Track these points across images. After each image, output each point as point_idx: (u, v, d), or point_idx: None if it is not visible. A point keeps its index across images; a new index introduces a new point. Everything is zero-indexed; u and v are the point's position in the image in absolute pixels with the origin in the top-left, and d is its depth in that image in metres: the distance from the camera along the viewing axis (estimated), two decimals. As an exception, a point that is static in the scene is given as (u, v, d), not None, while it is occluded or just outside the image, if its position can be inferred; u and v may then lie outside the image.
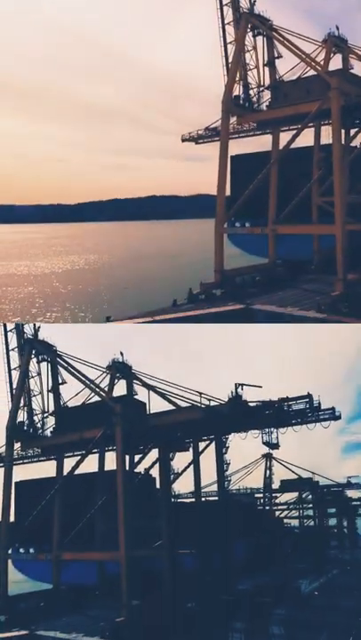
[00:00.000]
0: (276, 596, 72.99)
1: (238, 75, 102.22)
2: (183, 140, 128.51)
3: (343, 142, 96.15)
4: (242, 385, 65.66)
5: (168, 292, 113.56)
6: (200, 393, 68.56)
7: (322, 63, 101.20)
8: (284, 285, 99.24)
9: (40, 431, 78.96)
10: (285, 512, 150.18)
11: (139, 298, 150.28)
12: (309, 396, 65.94)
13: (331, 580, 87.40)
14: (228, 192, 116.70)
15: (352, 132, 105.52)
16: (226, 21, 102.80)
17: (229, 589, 72.42)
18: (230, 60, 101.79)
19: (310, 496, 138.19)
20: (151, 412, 71.30)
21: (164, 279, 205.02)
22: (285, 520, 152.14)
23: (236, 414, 65.84)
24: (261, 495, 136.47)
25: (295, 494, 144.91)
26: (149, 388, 72.20)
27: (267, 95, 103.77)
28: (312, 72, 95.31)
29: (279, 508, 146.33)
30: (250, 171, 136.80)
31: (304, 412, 65.92)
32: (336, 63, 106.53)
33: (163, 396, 71.13)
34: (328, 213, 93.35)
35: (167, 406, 70.70)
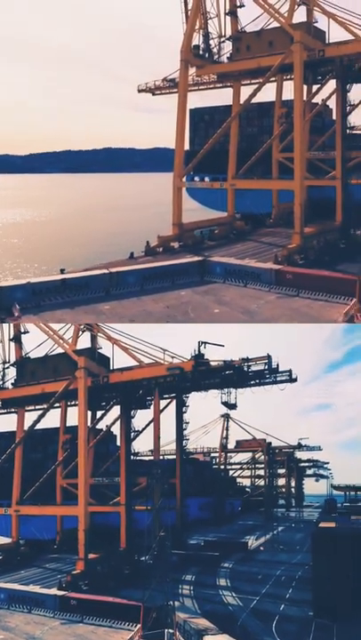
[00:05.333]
0: (224, 551, 78.28)
1: (198, 23, 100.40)
2: (140, 91, 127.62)
3: (305, 98, 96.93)
4: (205, 343, 68.39)
5: (126, 245, 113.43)
6: (164, 350, 71.33)
7: (286, 15, 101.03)
8: (243, 239, 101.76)
9: (1, 382, 79.55)
10: (238, 471, 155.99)
11: (95, 251, 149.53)
12: (268, 357, 69.60)
13: (276, 537, 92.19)
14: (187, 146, 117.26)
15: (314, 88, 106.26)
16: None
17: (182, 544, 76.63)
18: (190, 6, 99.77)
19: (263, 457, 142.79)
20: (115, 367, 73.25)
21: (121, 232, 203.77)
22: (238, 479, 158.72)
23: (198, 373, 68.27)
24: (217, 454, 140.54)
25: (249, 455, 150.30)
26: (114, 342, 73.54)
27: (228, 46, 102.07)
28: (275, 24, 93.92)
29: (233, 467, 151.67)
30: (210, 124, 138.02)
31: (263, 373, 69.43)
32: (301, 16, 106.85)
33: (126, 350, 72.87)
34: (288, 169, 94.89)
35: (131, 362, 72.95)
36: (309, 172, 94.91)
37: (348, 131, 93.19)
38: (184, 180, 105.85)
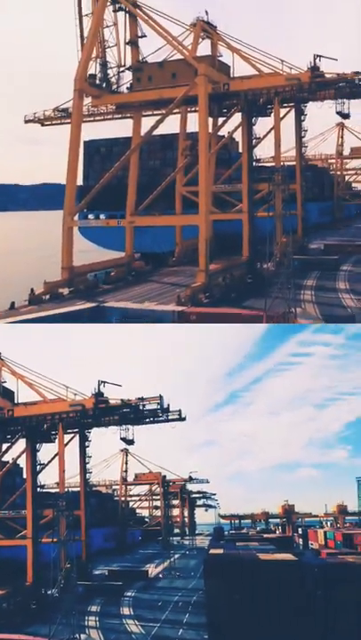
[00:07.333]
0: (126, 580, 79.94)
1: (95, 52, 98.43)
2: (27, 122, 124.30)
3: (210, 131, 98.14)
4: (104, 382, 70.30)
5: (5, 295, 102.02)
6: (67, 386, 71.86)
7: (190, 47, 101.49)
8: (143, 280, 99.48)
9: None
10: (138, 503, 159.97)
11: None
12: (160, 397, 72.16)
13: (173, 564, 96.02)
14: (80, 181, 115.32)
15: (220, 120, 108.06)
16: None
17: (87, 575, 77.13)
18: (86, 33, 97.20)
19: (159, 489, 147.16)
20: (19, 401, 73.09)
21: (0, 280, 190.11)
22: (137, 510, 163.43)
23: (99, 410, 70.77)
24: (118, 487, 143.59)
25: (147, 487, 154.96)
26: (18, 377, 73.26)
27: (128, 76, 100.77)
28: (179, 56, 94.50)
29: (133, 498, 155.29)
30: (106, 157, 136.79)
31: (156, 411, 72.23)
32: (205, 50, 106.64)
33: (31, 386, 72.84)
34: (192, 203, 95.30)
35: (35, 397, 73.08)
36: (215, 205, 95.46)
37: (254, 163, 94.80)
38: (76, 218, 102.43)
